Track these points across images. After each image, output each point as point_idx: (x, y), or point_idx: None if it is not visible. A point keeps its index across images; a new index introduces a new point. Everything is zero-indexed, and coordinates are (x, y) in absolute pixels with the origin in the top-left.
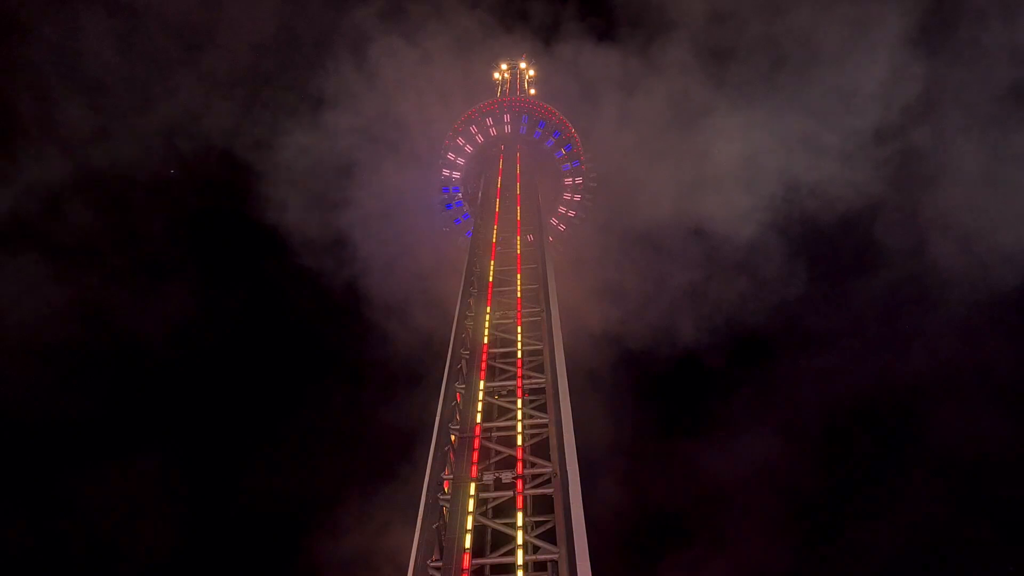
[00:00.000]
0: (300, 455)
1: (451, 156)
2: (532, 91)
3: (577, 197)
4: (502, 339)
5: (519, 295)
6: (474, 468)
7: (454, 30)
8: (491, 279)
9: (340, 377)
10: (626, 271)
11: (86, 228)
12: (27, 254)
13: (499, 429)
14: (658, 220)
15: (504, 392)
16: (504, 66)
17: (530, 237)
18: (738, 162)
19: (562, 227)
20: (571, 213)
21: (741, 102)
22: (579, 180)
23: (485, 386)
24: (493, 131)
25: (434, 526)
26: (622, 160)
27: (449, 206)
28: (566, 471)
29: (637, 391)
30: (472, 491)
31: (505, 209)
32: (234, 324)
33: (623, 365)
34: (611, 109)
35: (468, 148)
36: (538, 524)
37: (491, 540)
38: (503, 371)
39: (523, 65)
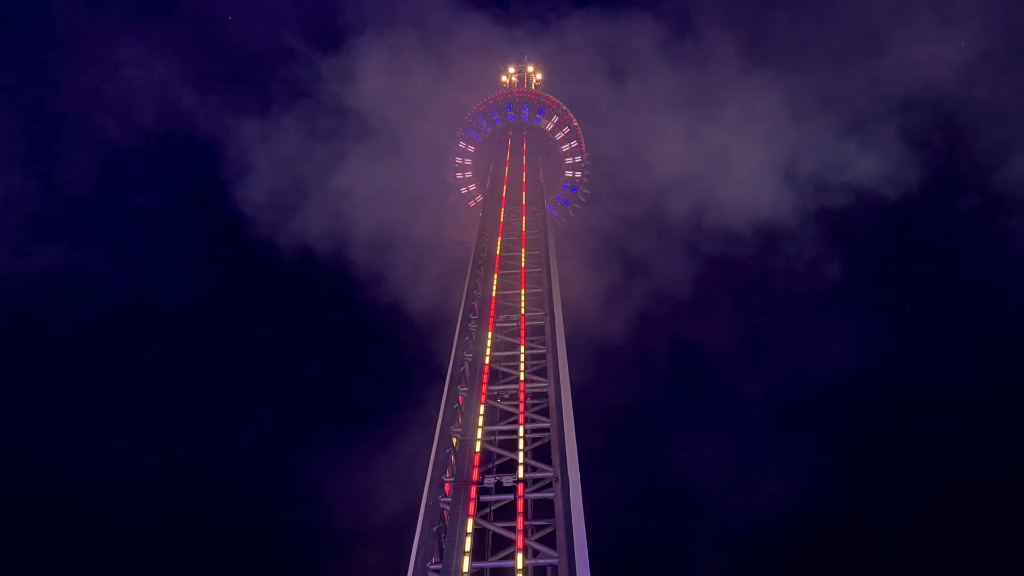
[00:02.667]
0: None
1: (463, 145)
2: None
3: (579, 175)
4: (506, 343)
5: (522, 307)
6: (475, 471)
7: (463, 32)
8: (494, 291)
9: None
10: (626, 247)
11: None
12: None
13: (501, 432)
14: (659, 200)
15: (507, 396)
16: (512, 69)
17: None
18: (743, 148)
19: (566, 203)
20: (573, 190)
21: (751, 86)
22: (579, 160)
23: (488, 389)
24: (499, 121)
25: (434, 528)
26: (626, 145)
27: (464, 191)
28: (567, 475)
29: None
30: (473, 493)
31: (512, 194)
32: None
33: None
34: (616, 97)
35: (477, 137)
36: (538, 528)
37: (491, 543)
38: (506, 375)
39: (530, 69)
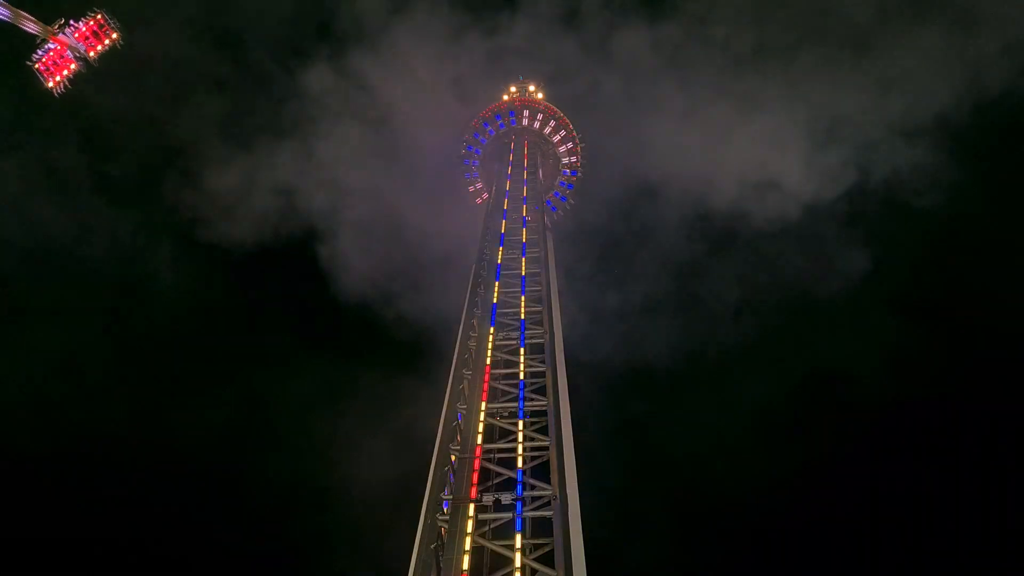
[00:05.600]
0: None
1: (470, 148)
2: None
3: (575, 174)
4: (505, 360)
5: (522, 324)
6: (474, 489)
7: (467, 58)
8: (495, 300)
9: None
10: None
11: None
12: None
13: (500, 451)
14: (656, 199)
15: (506, 414)
16: (513, 88)
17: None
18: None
19: (563, 199)
20: (570, 188)
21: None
22: (575, 160)
23: (487, 407)
24: (503, 125)
25: (432, 546)
26: (623, 148)
27: (471, 188)
28: (566, 494)
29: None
30: (471, 512)
31: (513, 212)
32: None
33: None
34: (614, 106)
35: (483, 141)
36: (537, 546)
37: (489, 562)
38: (505, 393)
39: (531, 88)
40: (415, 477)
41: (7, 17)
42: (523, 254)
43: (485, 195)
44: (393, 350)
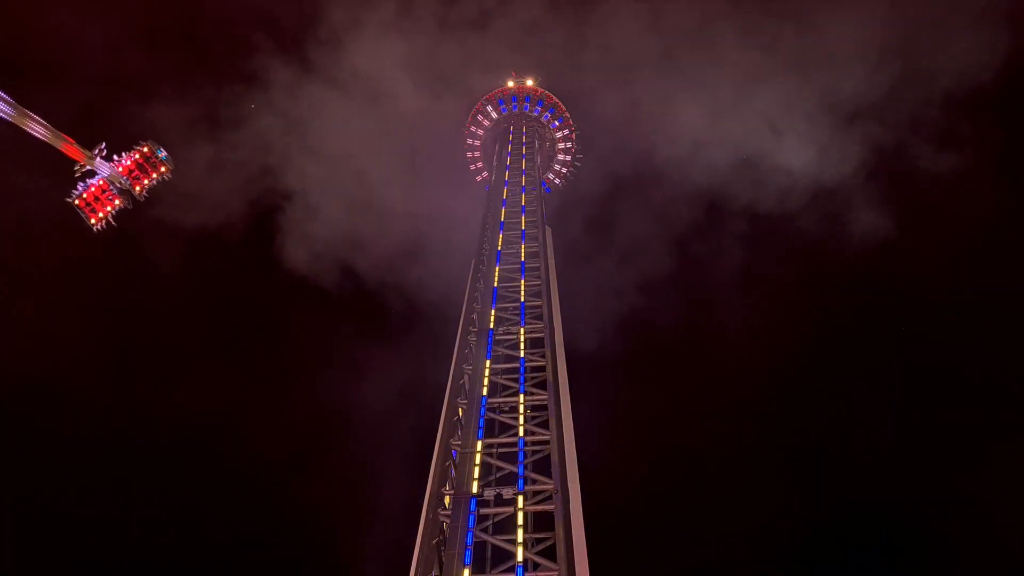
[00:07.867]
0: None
1: (469, 141)
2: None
3: (569, 157)
4: (505, 355)
5: (522, 319)
6: (475, 484)
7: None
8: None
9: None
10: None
11: None
12: None
13: (501, 445)
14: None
15: (507, 408)
16: (511, 84)
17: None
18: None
19: (558, 181)
20: (565, 169)
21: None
22: (570, 145)
23: (488, 402)
24: (498, 113)
25: (434, 541)
26: (618, 133)
27: (476, 176)
28: (567, 488)
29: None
30: (473, 507)
31: (512, 198)
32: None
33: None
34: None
35: (479, 132)
36: (538, 541)
37: (491, 556)
38: (505, 387)
39: (530, 82)
40: (415, 473)
41: (44, 136)
42: (522, 249)
43: (487, 187)
44: (391, 345)
